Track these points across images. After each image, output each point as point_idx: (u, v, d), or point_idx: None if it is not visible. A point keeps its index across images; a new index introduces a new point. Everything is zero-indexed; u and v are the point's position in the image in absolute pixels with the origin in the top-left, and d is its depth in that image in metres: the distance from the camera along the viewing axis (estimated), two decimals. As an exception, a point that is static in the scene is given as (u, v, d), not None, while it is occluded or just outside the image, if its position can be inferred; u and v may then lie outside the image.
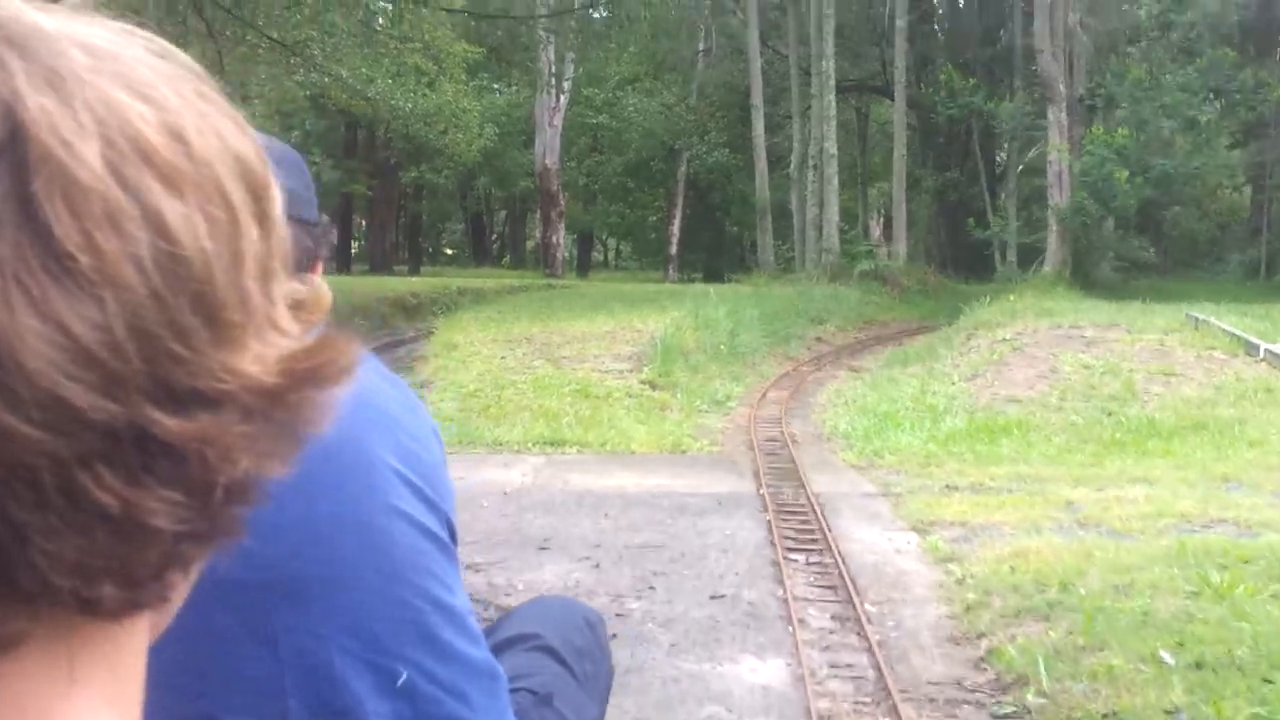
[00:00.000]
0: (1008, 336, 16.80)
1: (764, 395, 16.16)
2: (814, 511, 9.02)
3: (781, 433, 13.28)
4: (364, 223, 58.17)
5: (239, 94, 35.88)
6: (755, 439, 12.73)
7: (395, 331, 25.82)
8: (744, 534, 8.28)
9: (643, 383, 14.64)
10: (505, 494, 9.57)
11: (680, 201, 50.32)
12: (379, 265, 46.85)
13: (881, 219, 52.09)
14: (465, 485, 9.84)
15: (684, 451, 12.04)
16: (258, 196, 0.67)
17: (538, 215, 54.10)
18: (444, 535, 1.48)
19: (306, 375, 0.67)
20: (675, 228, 50.46)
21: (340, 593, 1.36)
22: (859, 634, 6.12)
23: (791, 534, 8.34)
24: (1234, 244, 43.28)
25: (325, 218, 1.93)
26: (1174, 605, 6.06)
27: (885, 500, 9.60)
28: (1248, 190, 44.21)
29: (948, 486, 10.02)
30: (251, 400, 0.65)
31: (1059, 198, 28.45)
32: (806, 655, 5.75)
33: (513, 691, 1.67)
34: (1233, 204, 46.72)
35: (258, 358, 0.66)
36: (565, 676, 1.97)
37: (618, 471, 10.73)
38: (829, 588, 7.05)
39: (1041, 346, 15.98)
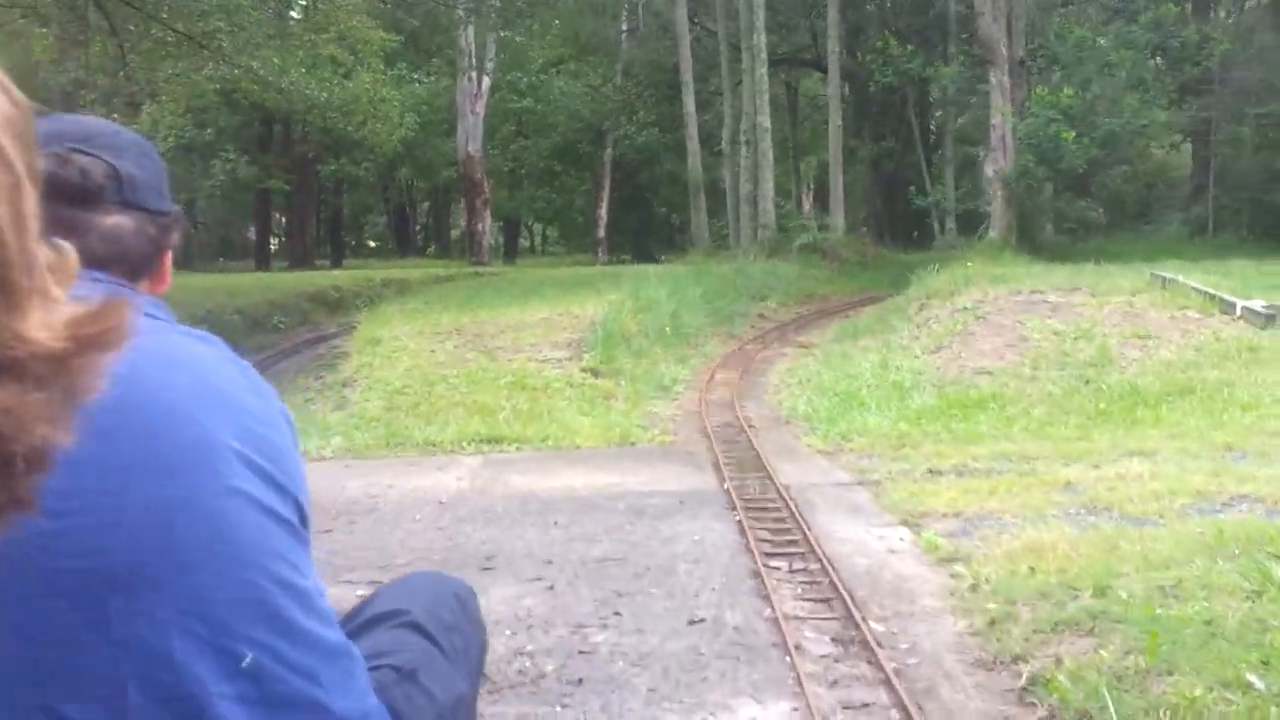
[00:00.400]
0: (967, 305, 15.87)
1: (712, 377, 15.18)
2: (787, 507, 8.04)
3: (736, 417, 12.31)
4: (283, 219, 56.81)
5: (146, 91, 34.59)
6: (709, 425, 11.75)
7: (317, 327, 24.65)
8: (714, 538, 7.28)
9: (584, 371, 13.59)
10: (440, 503, 8.51)
11: (607, 183, 49.53)
12: (299, 261, 45.51)
13: (811, 192, 51.30)
14: (395, 495, 8.81)
15: (634, 443, 11.02)
16: (32, 159, 0.68)
17: (462, 204, 53.48)
18: (292, 518, 1.47)
19: (92, 340, 0.70)
20: (603, 210, 49.73)
21: (179, 577, 1.34)
22: (870, 661, 5.12)
23: (767, 535, 7.34)
24: (1171, 203, 42.79)
25: (177, 208, 1.81)
26: (1239, 610, 5.10)
27: (864, 490, 8.63)
28: (1186, 148, 43.73)
29: (930, 471, 9.08)
30: (41, 367, 0.67)
31: (1003, 161, 27.57)
32: (813, 694, 4.73)
33: (375, 669, 1.70)
34: (1162, 163, 46.27)
35: (44, 324, 0.68)
36: (431, 652, 1.93)
37: (563, 470, 9.71)
38: (822, 601, 6.06)
39: (1005, 314, 15.08)
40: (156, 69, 27.21)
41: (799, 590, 6.26)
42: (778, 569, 6.63)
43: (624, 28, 47.77)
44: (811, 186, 51.56)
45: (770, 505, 8.21)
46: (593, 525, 7.71)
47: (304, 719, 1.44)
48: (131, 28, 24.24)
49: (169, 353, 1.50)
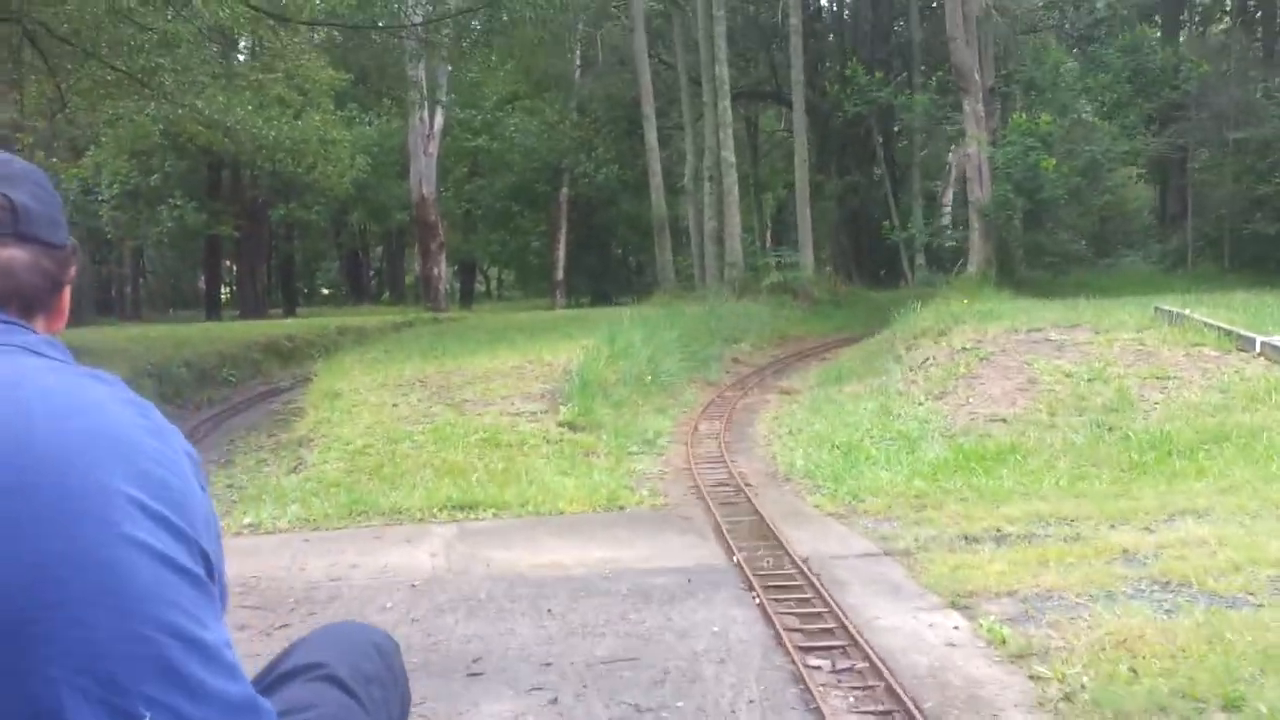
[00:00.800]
0: (966, 345, 14.91)
1: (695, 428, 14.18)
2: (812, 586, 7.04)
3: (730, 474, 11.32)
4: (234, 267, 55.67)
5: (88, 135, 33.46)
6: (702, 484, 10.75)
7: (270, 379, 23.53)
8: (738, 630, 6.25)
9: (561, 425, 12.53)
10: (413, 587, 7.45)
11: (564, 225, 48.75)
12: (251, 310, 44.38)
13: (769, 230, 50.51)
14: (360, 577, 7.74)
15: (622, 507, 9.98)
16: None
17: (416, 248, 52.77)
18: (194, 566, 1.42)
19: None
20: (560, 252, 49.00)
21: (70, 631, 1.30)
22: (971, 809, 4.13)
23: (797, 624, 6.34)
24: (1128, 236, 42.13)
25: (73, 241, 1.74)
26: None
27: (894, 562, 7.64)
28: (1142, 178, 43.09)
29: (964, 538, 8.09)
30: None
31: (979, 192, 26.75)
32: None
33: None
34: (1117, 195, 45.56)
35: None
36: (351, 706, 1.85)
37: (549, 542, 8.67)
38: (884, 715, 5.06)
39: (1008, 354, 14.13)
40: (97, 109, 26.17)
41: (852, 700, 5.25)
42: (820, 669, 5.62)
43: (577, 63, 46.97)
44: (769, 224, 50.91)
45: (791, 584, 7.20)
46: (593, 613, 6.67)
47: None
48: (69, 66, 23.10)
49: (62, 394, 1.45)
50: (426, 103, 41.04)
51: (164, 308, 57.71)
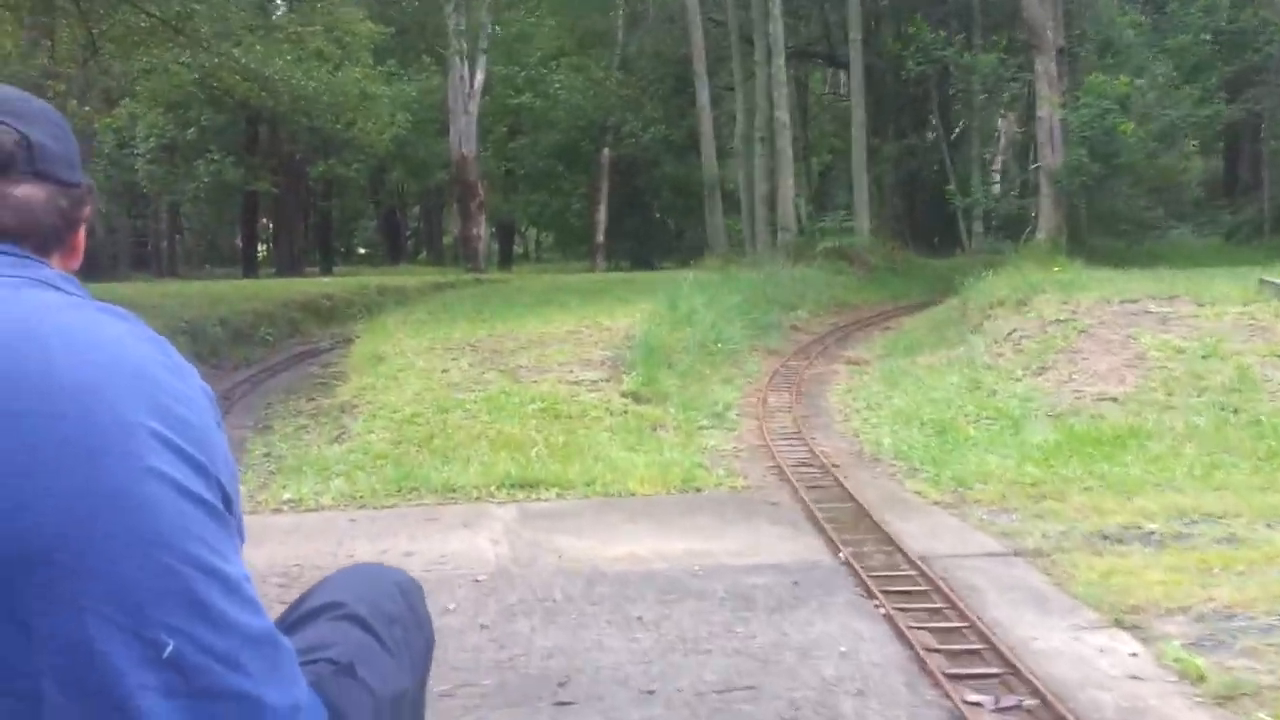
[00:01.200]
0: (1059, 316, 13.83)
1: (764, 401, 13.20)
2: (940, 593, 6.06)
3: (812, 453, 10.34)
4: (270, 224, 54.93)
5: (121, 85, 32.64)
6: (784, 464, 9.77)
7: (308, 339, 22.66)
8: (867, 650, 5.27)
9: (624, 395, 11.55)
10: (477, 582, 6.51)
11: (605, 187, 47.89)
12: (288, 268, 43.65)
13: (810, 193, 49.36)
14: (416, 566, 6.79)
15: (699, 489, 9.01)
16: None
17: (454, 208, 52.21)
18: (215, 500, 1.43)
19: None
20: (601, 215, 48.13)
21: (95, 563, 1.31)
22: None
23: (936, 644, 5.36)
24: (1179, 206, 40.70)
25: (88, 180, 1.76)
26: None
27: (1027, 565, 6.63)
28: (1194, 148, 41.56)
29: (1102, 536, 7.08)
30: None
31: (1051, 157, 25.51)
32: None
33: (312, 662, 1.71)
34: (1164, 165, 44.08)
35: None
36: (371, 645, 1.86)
37: (623, 528, 7.73)
38: (1080, 775, 4.08)
39: (1108, 327, 13.05)
40: (130, 57, 25.37)
41: (1035, 753, 4.27)
42: (981, 706, 4.64)
43: (620, 19, 45.86)
44: (810, 187, 49.71)
45: (915, 589, 6.22)
46: (691, 623, 5.71)
47: (230, 710, 1.37)
48: (101, 11, 22.25)
49: (81, 329, 1.45)
50: (467, 59, 40.23)
51: (200, 264, 57.19)
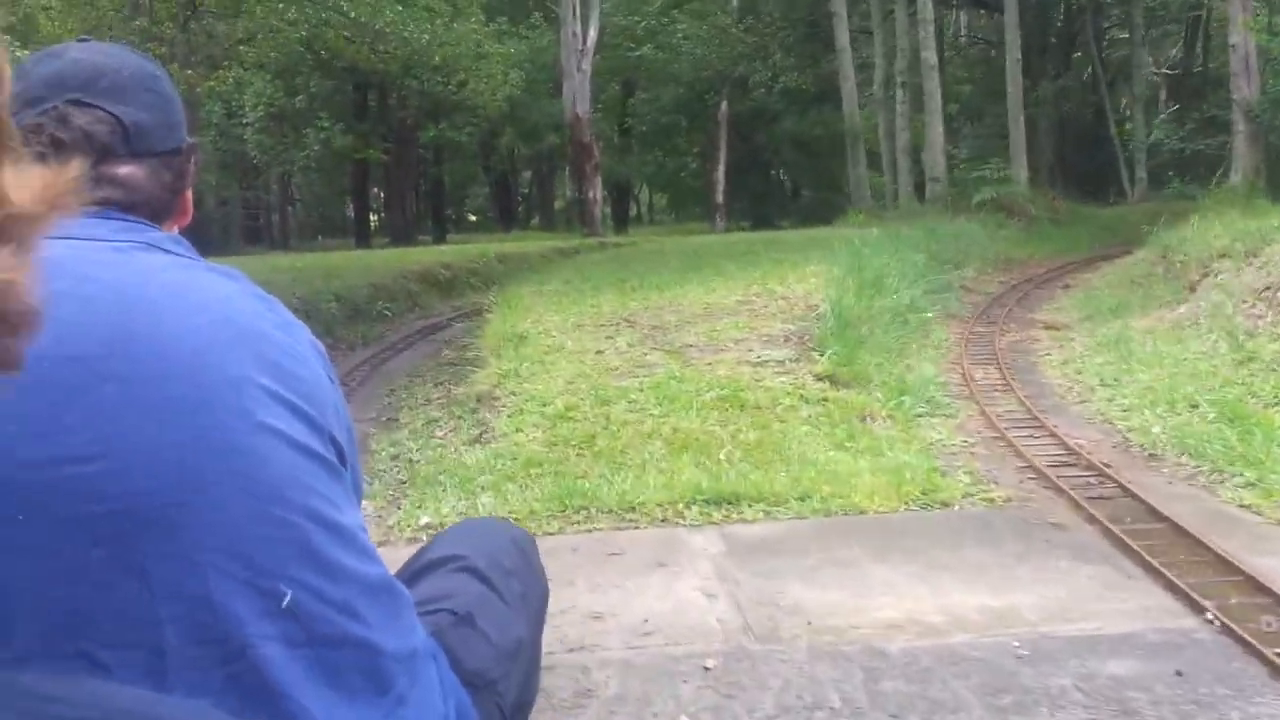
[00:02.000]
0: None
1: (969, 377, 11.18)
2: None
3: (1065, 447, 8.33)
4: (381, 193, 53.88)
5: (225, 50, 31.36)
6: (1038, 464, 7.78)
7: (429, 313, 20.97)
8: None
9: (820, 378, 9.55)
10: (706, 671, 4.58)
11: (723, 144, 46.06)
12: (401, 237, 42.45)
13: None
14: (615, 642, 4.92)
15: (946, 503, 7.02)
16: None
17: (567, 171, 51.20)
18: (328, 453, 1.43)
19: (62, 202, 0.71)
20: (720, 174, 46.34)
21: (212, 516, 1.31)
22: None
23: None
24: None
25: (190, 140, 1.76)
26: None
27: None
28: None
29: None
30: (17, 228, 0.68)
31: (1247, 89, 22.82)
32: None
33: (432, 613, 1.75)
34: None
35: (20, 183, 0.69)
36: (489, 596, 1.89)
37: (872, 569, 5.80)
38: None
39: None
40: (234, 16, 23.94)
41: None
42: None
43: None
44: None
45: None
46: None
47: (350, 657, 1.38)
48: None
49: (190, 289, 1.45)
50: (580, 14, 38.66)
51: (312, 236, 56.50)
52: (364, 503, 1.94)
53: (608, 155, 47.43)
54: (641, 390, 9.30)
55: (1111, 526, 6.23)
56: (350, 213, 54.36)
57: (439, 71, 39.47)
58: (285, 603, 1.31)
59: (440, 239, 45.16)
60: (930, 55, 27.66)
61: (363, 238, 44.84)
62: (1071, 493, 7.01)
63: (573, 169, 43.08)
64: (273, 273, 20.49)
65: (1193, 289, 13.96)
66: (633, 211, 65.39)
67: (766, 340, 10.45)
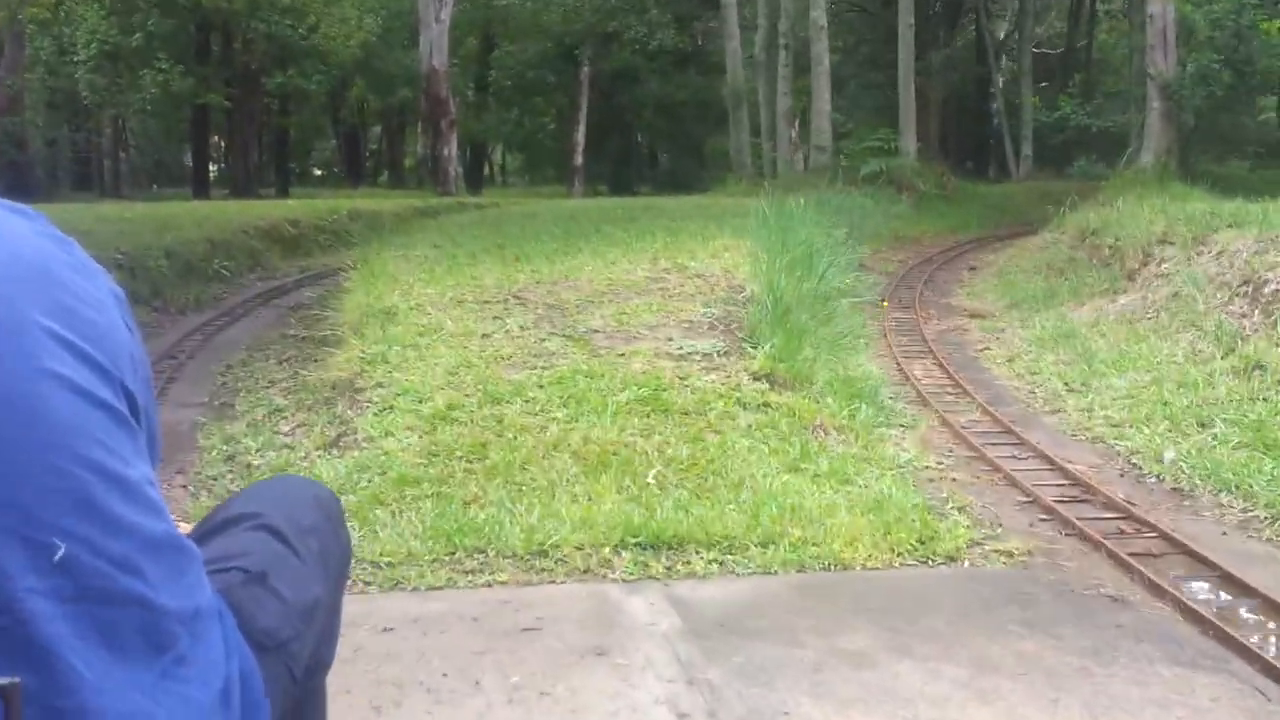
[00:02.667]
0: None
1: (910, 375, 9.68)
2: None
3: (1063, 473, 6.88)
4: (221, 142, 51.27)
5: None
6: (1046, 500, 6.26)
7: (271, 272, 18.89)
8: None
9: (756, 376, 7.87)
10: None
11: (584, 105, 44.51)
12: (241, 189, 40.00)
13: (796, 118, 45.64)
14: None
15: (953, 558, 5.45)
16: None
17: (419, 127, 49.30)
18: (119, 404, 1.30)
19: None
20: (579, 136, 44.77)
21: None
22: None
23: None
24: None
25: None
26: None
27: None
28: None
29: None
30: None
31: (1163, 63, 21.50)
32: None
33: (223, 571, 1.64)
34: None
35: None
36: (284, 554, 1.75)
37: (900, 671, 4.27)
38: None
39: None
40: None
41: None
42: None
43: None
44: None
45: None
46: None
47: (125, 615, 1.26)
48: None
49: None
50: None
51: (147, 185, 53.57)
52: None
53: (463, 112, 45.52)
54: (541, 386, 7.52)
55: (1197, 608, 4.69)
56: (189, 161, 51.64)
57: (288, 14, 37.20)
58: (58, 557, 1.18)
59: (284, 193, 42.75)
60: (820, 15, 26.01)
61: (201, 188, 42.23)
62: (1107, 544, 5.48)
63: (427, 125, 41.09)
64: (97, 222, 18.24)
65: (1131, 277, 12.63)
66: (484, 172, 63.50)
67: (688, 328, 8.68)
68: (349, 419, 7.50)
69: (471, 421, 7.05)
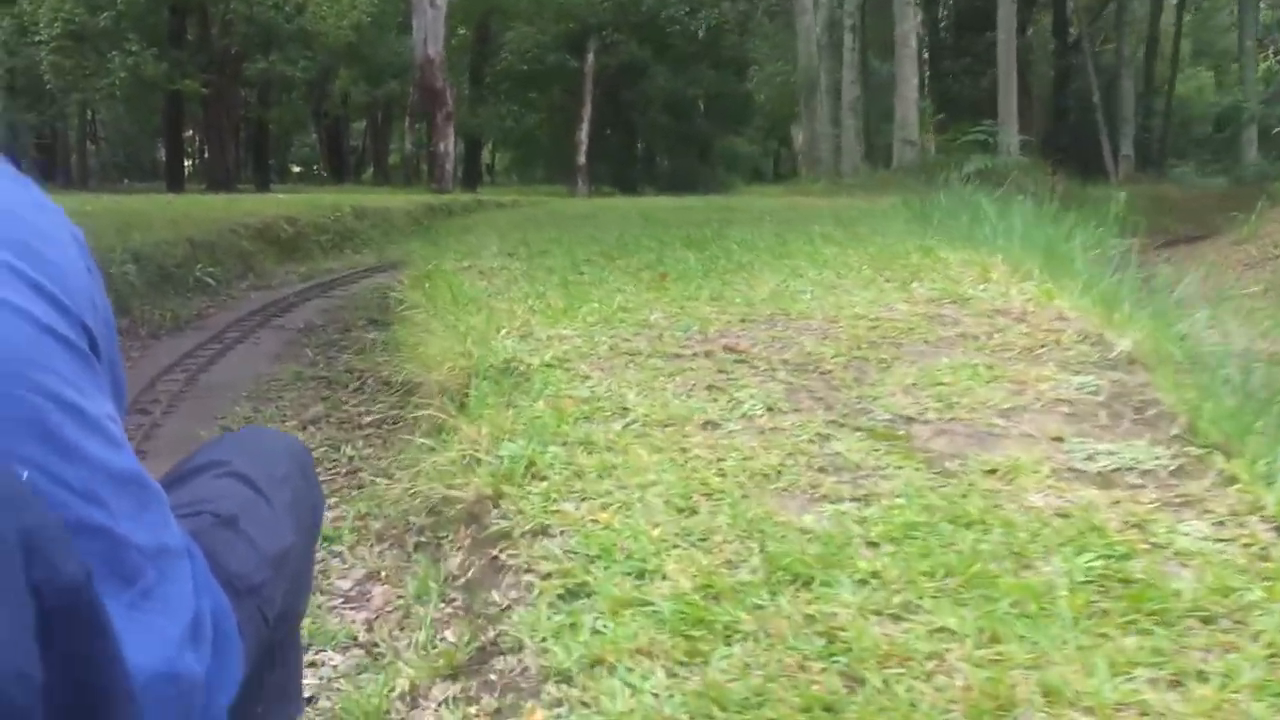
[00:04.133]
0: None
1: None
2: None
3: None
4: (195, 135, 48.37)
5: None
6: None
7: (267, 281, 15.25)
8: None
9: (1272, 523, 4.11)
10: None
11: (589, 101, 42.19)
12: (219, 184, 36.92)
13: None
14: None
15: None
16: None
17: (407, 122, 47.16)
18: (77, 340, 1.37)
19: None
20: (584, 133, 42.44)
21: None
22: None
23: None
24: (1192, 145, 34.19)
25: None
26: None
27: None
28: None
29: None
30: None
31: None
32: None
33: (194, 515, 1.67)
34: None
35: None
36: (256, 500, 1.83)
37: None
38: None
39: None
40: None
41: None
42: None
43: None
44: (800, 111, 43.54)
45: None
46: None
47: (89, 545, 1.28)
48: None
49: None
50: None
51: (118, 178, 51.01)
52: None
53: (457, 105, 42.57)
54: (874, 544, 3.74)
55: None
56: (161, 153, 48.40)
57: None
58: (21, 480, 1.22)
59: (263, 188, 39.65)
60: (907, -11, 22.42)
61: (175, 182, 39.31)
62: None
63: (418, 118, 38.42)
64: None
65: None
66: (480, 169, 60.76)
67: (1068, 414, 4.78)
68: (489, 606, 3.71)
69: (763, 634, 3.27)
